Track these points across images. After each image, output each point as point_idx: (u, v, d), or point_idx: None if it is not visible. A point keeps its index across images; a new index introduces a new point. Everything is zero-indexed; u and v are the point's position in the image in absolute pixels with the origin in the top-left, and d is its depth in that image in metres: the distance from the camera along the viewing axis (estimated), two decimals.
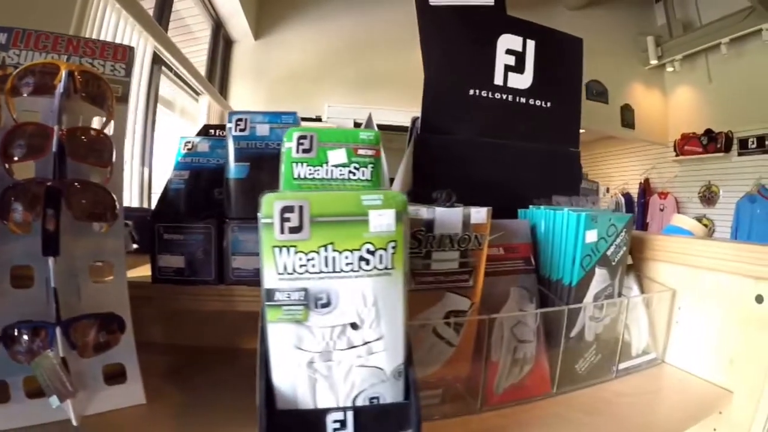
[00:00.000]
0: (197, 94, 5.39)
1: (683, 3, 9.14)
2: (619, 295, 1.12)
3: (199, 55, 6.05)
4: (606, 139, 9.64)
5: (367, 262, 0.61)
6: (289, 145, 0.78)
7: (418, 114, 1.36)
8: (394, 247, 0.61)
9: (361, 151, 0.82)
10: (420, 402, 0.62)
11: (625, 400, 1.00)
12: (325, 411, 0.60)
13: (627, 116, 8.76)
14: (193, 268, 1.14)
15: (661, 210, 8.95)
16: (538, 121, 1.43)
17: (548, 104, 1.44)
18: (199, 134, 1.57)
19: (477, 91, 1.34)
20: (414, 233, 0.85)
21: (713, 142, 8.31)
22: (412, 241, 0.85)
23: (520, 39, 1.39)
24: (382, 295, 0.61)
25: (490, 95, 1.35)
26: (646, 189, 9.17)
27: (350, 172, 0.82)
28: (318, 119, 6.06)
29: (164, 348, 1.17)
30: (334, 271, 0.60)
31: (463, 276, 0.90)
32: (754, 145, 7.83)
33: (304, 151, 0.79)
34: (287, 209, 0.58)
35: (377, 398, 0.63)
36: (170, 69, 4.51)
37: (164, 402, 0.90)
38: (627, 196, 9.15)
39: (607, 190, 9.56)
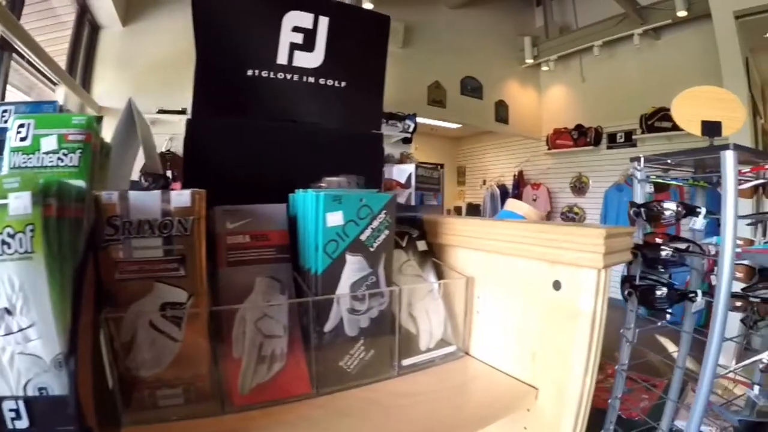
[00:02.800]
0: (54, 84, 5.05)
1: (562, 7, 9.66)
2: (389, 283, 1.01)
3: (64, 41, 5.66)
4: (483, 133, 9.95)
5: (9, 245, 0.59)
6: (10, 135, 0.76)
7: None
8: (32, 230, 0.60)
9: (71, 137, 0.79)
10: (79, 396, 0.59)
11: (402, 401, 0.91)
12: (0, 399, 0.58)
13: (501, 112, 9.07)
14: None
15: (534, 200, 9.34)
16: (331, 101, 1.35)
17: (342, 84, 1.36)
18: None
19: (256, 71, 1.24)
20: (108, 219, 0.77)
21: (584, 136, 8.80)
22: (107, 227, 0.77)
23: (310, 16, 1.30)
24: (27, 280, 0.60)
25: (271, 75, 1.26)
26: (520, 181, 9.55)
27: (59, 158, 0.80)
28: (183, 111, 5.82)
29: None
30: None
31: (172, 264, 0.80)
32: (622, 140, 8.34)
33: (21, 139, 0.78)
34: None
35: (45, 389, 0.61)
36: (22, 56, 4.19)
37: None
38: (502, 188, 9.47)
39: (484, 182, 9.84)
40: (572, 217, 9.19)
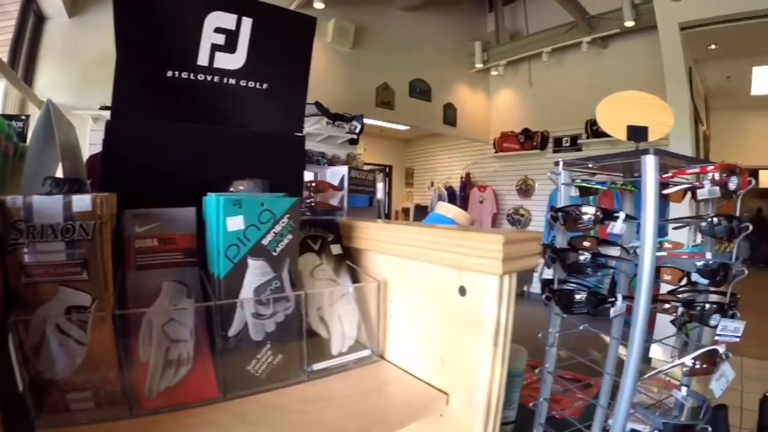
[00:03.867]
0: None
1: (514, 14, 9.90)
2: (294, 287, 1.00)
3: (7, 31, 5.47)
4: (431, 135, 10.05)
5: None
6: None
7: None
8: None
9: None
10: None
11: (309, 406, 0.91)
12: None
13: (449, 114, 9.17)
14: None
15: (481, 202, 9.50)
16: (252, 103, 1.35)
17: (264, 86, 1.36)
18: None
19: (176, 72, 1.24)
20: (13, 223, 0.77)
21: (530, 140, 9.01)
22: (13, 232, 0.77)
23: (233, 16, 1.30)
24: None
25: (191, 77, 1.25)
26: (467, 183, 9.68)
27: None
28: None
29: None
30: None
31: (75, 268, 0.80)
32: (568, 144, 8.56)
33: None
34: None
35: None
36: None
37: None
38: (450, 190, 9.58)
39: (432, 183, 9.94)
40: (518, 219, 9.37)
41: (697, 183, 1.78)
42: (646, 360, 2.16)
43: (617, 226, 1.81)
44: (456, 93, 9.61)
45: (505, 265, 0.83)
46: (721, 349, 1.81)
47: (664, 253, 1.92)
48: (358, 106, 7.18)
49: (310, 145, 6.28)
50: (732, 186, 1.74)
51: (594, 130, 8.20)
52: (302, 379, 1.00)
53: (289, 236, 0.99)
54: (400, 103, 8.40)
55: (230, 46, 1.31)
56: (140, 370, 0.85)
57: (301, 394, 0.96)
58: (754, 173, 8.21)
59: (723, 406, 2.39)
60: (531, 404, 2.07)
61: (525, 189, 9.27)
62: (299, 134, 1.47)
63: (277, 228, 0.97)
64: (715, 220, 1.81)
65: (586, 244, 1.96)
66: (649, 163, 1.65)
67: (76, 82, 5.82)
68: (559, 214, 1.93)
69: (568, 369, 2.37)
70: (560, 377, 2.88)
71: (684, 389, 1.97)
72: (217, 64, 1.29)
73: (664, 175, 1.87)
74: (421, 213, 10.31)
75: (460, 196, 9.84)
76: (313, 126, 6.11)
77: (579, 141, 8.46)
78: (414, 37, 8.81)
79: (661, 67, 6.49)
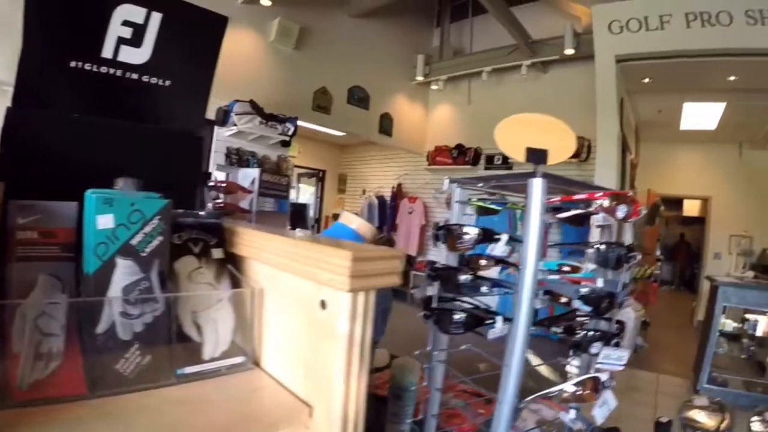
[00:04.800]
0: None
1: (459, 31, 10.06)
2: (164, 289, 1.00)
3: None
4: (367, 143, 10.06)
5: None
6: None
7: None
8: None
9: None
10: None
11: (175, 409, 0.91)
12: None
13: (385, 124, 9.20)
14: None
15: (410, 213, 9.56)
16: (153, 100, 1.34)
17: (167, 83, 1.36)
18: None
19: (80, 63, 1.23)
20: None
21: (463, 155, 9.17)
22: None
23: (143, 10, 1.29)
24: None
25: (94, 69, 1.25)
26: (398, 193, 9.72)
27: None
28: None
29: None
30: None
31: None
32: (500, 162, 8.78)
33: None
34: None
35: None
36: None
37: None
38: (381, 199, 9.60)
39: (363, 191, 9.96)
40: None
41: (592, 209, 1.83)
42: (564, 375, 2.21)
43: (498, 248, 1.85)
44: (394, 103, 9.67)
45: (354, 282, 0.84)
46: (604, 376, 1.84)
47: (556, 277, 1.96)
48: (294, 108, 7.12)
49: (241, 144, 6.21)
50: (620, 215, 1.80)
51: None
52: (172, 382, 1.00)
53: (160, 238, 1.00)
54: (337, 108, 8.37)
55: (136, 40, 1.31)
56: (13, 363, 0.85)
57: (169, 396, 0.96)
58: (679, 202, 8.62)
59: (615, 429, 2.45)
60: (418, 416, 2.08)
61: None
62: (198, 135, 1.46)
63: (147, 229, 0.98)
64: (602, 247, 1.85)
65: (483, 262, 1.98)
66: (536, 186, 1.69)
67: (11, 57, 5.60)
68: (440, 232, 1.95)
69: (484, 382, 2.38)
70: (464, 391, 2.92)
71: (573, 411, 1.98)
72: (121, 58, 1.29)
73: (552, 199, 1.92)
74: None
75: (390, 205, 9.88)
76: (245, 124, 6.03)
77: (510, 160, 8.52)
78: (358, 44, 8.83)
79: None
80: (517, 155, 2.10)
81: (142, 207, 0.97)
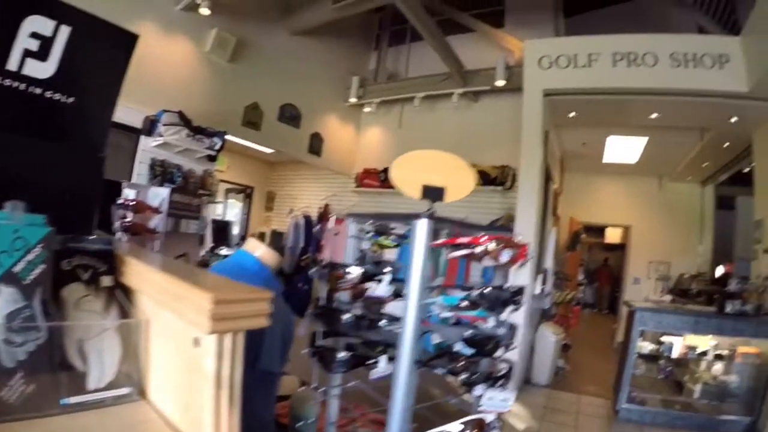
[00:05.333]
0: None
1: (396, 56, 10.30)
2: (47, 318, 0.96)
3: None
4: (297, 161, 9.95)
5: None
6: None
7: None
8: None
9: None
10: None
11: None
12: None
13: (315, 144, 9.16)
14: None
15: (336, 234, 9.39)
16: (56, 117, 1.28)
17: (70, 100, 1.30)
18: None
19: None
20: None
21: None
22: None
23: (52, 23, 1.24)
24: None
25: None
26: (324, 214, 9.62)
27: None
28: None
29: None
30: None
31: None
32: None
33: None
34: None
35: None
36: None
37: None
38: (307, 219, 9.48)
39: (291, 210, 9.84)
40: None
41: (477, 252, 1.84)
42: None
43: (380, 288, 1.83)
44: (326, 123, 9.64)
45: (217, 325, 0.83)
46: (490, 417, 1.84)
47: (450, 314, 1.95)
48: (223, 121, 6.99)
49: (167, 156, 6.02)
50: (504, 259, 1.82)
51: None
52: (56, 412, 0.96)
53: (42, 266, 0.96)
54: (267, 125, 8.26)
55: (43, 54, 1.25)
56: None
57: (53, 426, 0.93)
58: (602, 230, 9.02)
59: None
60: None
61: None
62: (100, 155, 1.41)
63: (30, 257, 0.94)
64: (486, 291, 1.87)
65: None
66: (420, 226, 1.69)
67: None
68: (324, 270, 1.93)
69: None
70: (375, 421, 2.91)
71: None
72: (25, 71, 1.23)
73: (435, 242, 1.92)
74: (277, 239, 10.10)
75: (316, 226, 9.76)
76: (172, 136, 5.85)
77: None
78: (295, 62, 8.79)
79: None
80: (413, 192, 2.08)
81: (26, 234, 0.93)
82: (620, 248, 13.09)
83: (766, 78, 5.46)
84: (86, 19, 1.30)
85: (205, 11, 6.67)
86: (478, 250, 1.81)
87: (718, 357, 5.56)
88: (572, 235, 10.92)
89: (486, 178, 8.23)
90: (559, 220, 10.15)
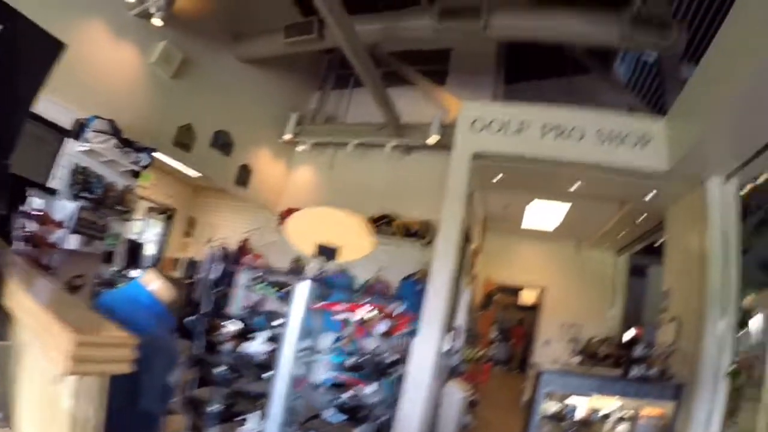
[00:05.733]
0: None
1: (338, 99, 10.52)
2: None
3: None
4: (224, 190, 9.69)
5: None
6: None
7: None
8: None
9: None
10: None
11: None
12: None
13: (243, 175, 9.04)
14: None
15: None
16: None
17: None
18: None
19: None
20: None
21: None
22: None
23: None
24: None
25: None
26: (243, 248, 9.43)
27: None
28: None
29: None
30: None
31: None
32: None
33: None
34: None
35: None
36: None
37: None
38: (225, 251, 9.24)
39: (210, 239, 9.59)
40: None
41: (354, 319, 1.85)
42: None
43: (254, 346, 1.81)
44: (257, 156, 9.54)
45: (76, 367, 0.80)
46: None
47: (333, 374, 1.93)
48: (155, 138, 6.78)
49: (91, 163, 5.72)
50: (381, 329, 1.83)
51: (377, 227, 8.56)
52: None
53: None
54: (198, 148, 8.06)
55: None
56: None
57: None
58: (517, 291, 9.31)
59: None
60: None
61: (297, 269, 9.10)
62: (5, 161, 1.34)
63: None
64: (361, 359, 1.87)
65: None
66: (301, 288, 1.68)
67: None
68: (198, 321, 1.90)
69: None
70: None
71: None
72: None
73: (314, 305, 1.91)
74: (191, 268, 9.68)
75: (233, 259, 9.46)
76: (99, 144, 5.57)
77: None
78: (236, 89, 8.75)
79: None
80: (307, 249, 2.08)
81: None
82: (535, 309, 13.43)
83: (684, 159, 5.82)
84: (21, 20, 1.25)
85: (157, 22, 6.56)
86: (355, 318, 1.83)
87: (621, 419, 5.67)
88: (486, 294, 11.12)
89: (408, 231, 8.37)
90: (476, 279, 10.30)
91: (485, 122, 7.03)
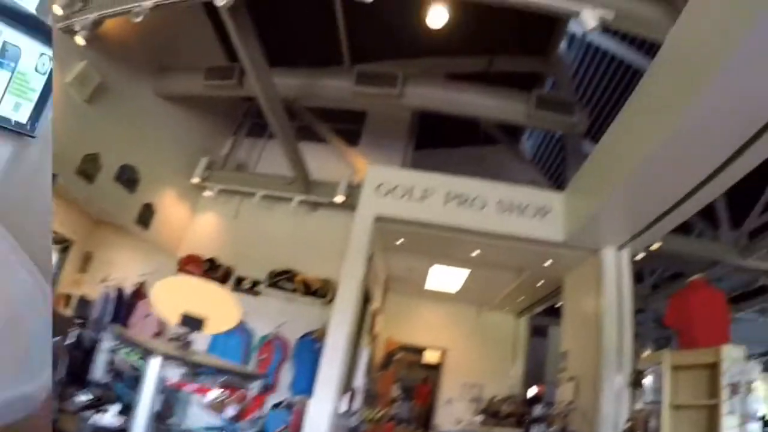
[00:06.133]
0: None
1: (250, 148, 10.55)
2: None
3: None
4: (123, 227, 9.23)
5: None
6: None
7: None
8: None
9: None
10: None
11: None
12: None
13: (146, 215, 8.65)
14: None
15: (146, 316, 8.70)
16: None
17: None
18: None
19: None
20: None
21: (213, 270, 8.88)
22: None
23: None
24: None
25: None
26: (138, 291, 9.01)
27: None
28: None
29: None
30: None
31: None
32: (248, 287, 8.74)
33: None
34: None
35: None
36: None
37: None
38: (120, 293, 8.82)
39: (104, 279, 9.14)
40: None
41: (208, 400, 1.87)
42: None
43: (106, 419, 1.80)
44: (162, 196, 9.18)
45: None
46: None
47: None
48: (58, 163, 6.40)
49: None
50: (230, 413, 1.85)
51: (273, 282, 8.65)
52: None
53: None
54: (101, 180, 7.54)
55: None
56: None
57: None
58: (421, 350, 9.40)
59: None
60: None
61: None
62: None
63: None
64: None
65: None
66: (153, 365, 1.66)
67: None
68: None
69: None
70: None
71: None
72: None
73: (169, 382, 1.90)
74: (84, 307, 9.02)
75: (128, 302, 8.98)
76: None
77: (257, 287, 8.75)
78: (150, 124, 8.58)
79: None
80: (173, 318, 2.07)
81: None
82: (439, 368, 13.50)
83: (580, 231, 6.26)
84: None
85: (80, 40, 6.39)
86: (206, 400, 1.83)
87: None
88: (388, 354, 11.15)
89: (308, 289, 8.38)
90: (377, 339, 10.31)
91: (390, 186, 7.26)
